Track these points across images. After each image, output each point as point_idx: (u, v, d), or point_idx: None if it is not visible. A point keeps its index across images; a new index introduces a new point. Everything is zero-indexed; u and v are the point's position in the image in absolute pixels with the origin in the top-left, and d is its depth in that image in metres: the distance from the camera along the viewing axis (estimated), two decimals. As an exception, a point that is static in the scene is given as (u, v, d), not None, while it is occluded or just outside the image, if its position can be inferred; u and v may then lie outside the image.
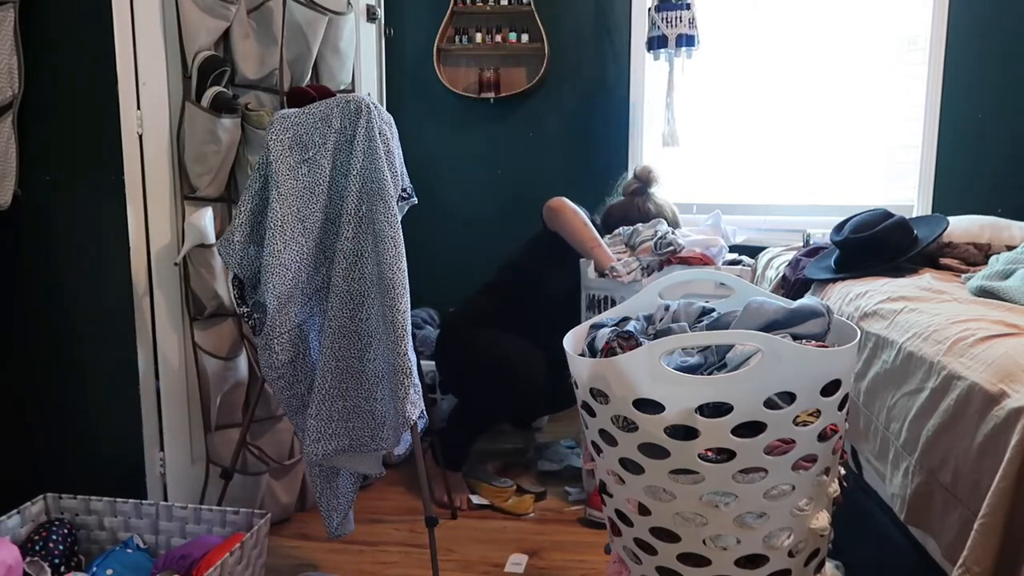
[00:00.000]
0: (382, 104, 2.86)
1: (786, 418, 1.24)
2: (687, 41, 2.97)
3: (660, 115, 3.08)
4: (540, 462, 2.74)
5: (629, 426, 1.30)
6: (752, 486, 1.26)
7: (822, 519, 1.34)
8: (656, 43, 3.01)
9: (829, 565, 1.88)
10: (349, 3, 2.34)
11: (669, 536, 1.34)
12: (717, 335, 1.31)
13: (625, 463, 1.34)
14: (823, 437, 1.29)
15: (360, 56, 2.46)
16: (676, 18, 2.96)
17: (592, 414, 1.38)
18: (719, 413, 1.23)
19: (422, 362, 2.81)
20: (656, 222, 2.49)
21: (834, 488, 1.38)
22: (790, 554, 1.34)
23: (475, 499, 2.50)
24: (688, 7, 2.95)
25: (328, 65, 2.32)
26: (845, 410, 1.35)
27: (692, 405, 1.23)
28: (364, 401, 1.88)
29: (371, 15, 2.54)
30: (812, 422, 1.26)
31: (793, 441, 1.25)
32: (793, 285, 2.50)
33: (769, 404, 1.23)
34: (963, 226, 2.37)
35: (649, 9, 3.04)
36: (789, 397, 1.24)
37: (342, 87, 2.38)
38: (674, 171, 3.31)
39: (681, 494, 1.29)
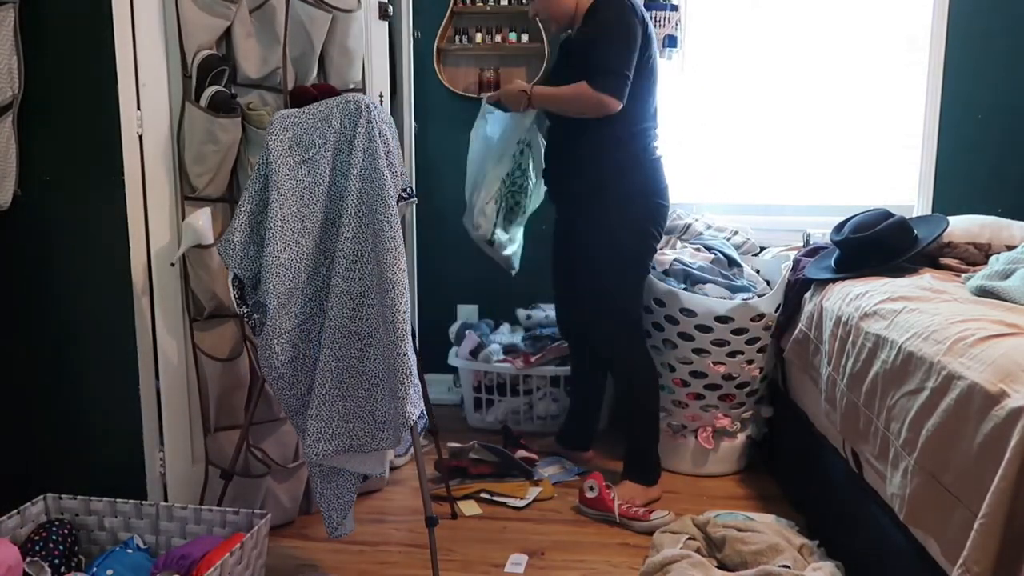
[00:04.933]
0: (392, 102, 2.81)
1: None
2: (670, 42, 3.03)
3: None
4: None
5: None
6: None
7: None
8: None
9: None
10: (359, 1, 2.31)
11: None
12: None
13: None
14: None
15: (371, 55, 2.43)
16: (664, 19, 2.99)
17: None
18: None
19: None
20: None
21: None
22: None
23: (468, 509, 2.45)
24: (676, 8, 3.01)
25: (335, 64, 2.28)
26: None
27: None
28: (364, 401, 1.88)
29: (383, 13, 2.50)
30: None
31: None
32: (793, 285, 2.50)
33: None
34: (963, 226, 2.37)
35: None
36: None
37: (351, 86, 2.34)
38: (674, 171, 3.30)
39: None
